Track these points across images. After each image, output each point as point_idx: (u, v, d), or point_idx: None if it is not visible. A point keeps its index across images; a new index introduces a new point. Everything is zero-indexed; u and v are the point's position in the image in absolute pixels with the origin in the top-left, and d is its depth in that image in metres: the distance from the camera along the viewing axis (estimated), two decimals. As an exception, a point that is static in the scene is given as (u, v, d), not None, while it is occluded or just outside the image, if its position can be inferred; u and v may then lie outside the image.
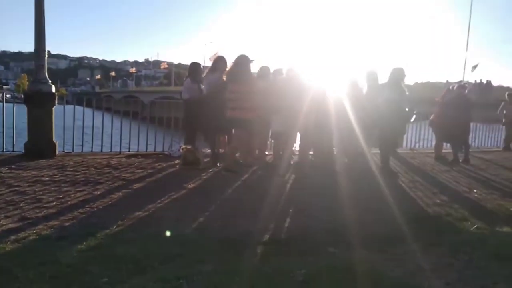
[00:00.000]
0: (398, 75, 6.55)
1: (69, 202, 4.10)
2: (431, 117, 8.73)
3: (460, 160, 8.04)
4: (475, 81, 31.55)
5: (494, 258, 2.87)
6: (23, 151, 6.51)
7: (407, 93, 6.61)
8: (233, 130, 6.15)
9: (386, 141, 6.60)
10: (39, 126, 6.42)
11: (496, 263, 2.81)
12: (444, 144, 8.73)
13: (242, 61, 5.95)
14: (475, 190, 5.57)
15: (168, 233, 3.04)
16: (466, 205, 4.67)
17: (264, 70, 6.91)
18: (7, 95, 9.65)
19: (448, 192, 5.42)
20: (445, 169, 7.33)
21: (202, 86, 6.55)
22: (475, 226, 3.86)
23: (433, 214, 4.31)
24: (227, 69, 6.17)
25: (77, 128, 7.36)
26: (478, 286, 2.48)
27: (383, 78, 6.94)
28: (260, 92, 5.97)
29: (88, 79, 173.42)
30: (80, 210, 3.86)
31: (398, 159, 7.86)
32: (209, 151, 6.70)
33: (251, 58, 6.05)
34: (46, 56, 6.64)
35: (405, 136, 8.95)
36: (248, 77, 5.96)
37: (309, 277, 2.31)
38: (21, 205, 3.93)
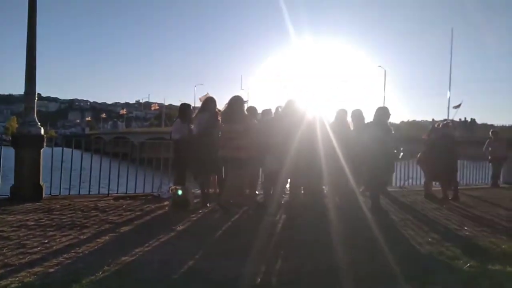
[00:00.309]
0: (382, 114, 6.70)
1: (54, 247, 3.98)
2: (418, 156, 8.84)
3: (450, 198, 8.07)
4: (460, 119, 32.38)
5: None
6: (9, 194, 6.39)
7: (392, 132, 6.73)
8: (224, 169, 6.15)
9: (374, 180, 6.64)
10: (26, 168, 6.35)
11: (491, 302, 2.77)
12: (434, 182, 8.79)
13: (236, 102, 6.08)
14: (466, 228, 5.56)
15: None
16: (457, 243, 4.65)
17: (251, 110, 7.00)
18: (-4, 138, 9.56)
19: (439, 230, 5.40)
20: (435, 207, 7.33)
21: (192, 126, 6.60)
22: (468, 264, 3.82)
23: (425, 252, 4.26)
24: (221, 110, 6.28)
25: (65, 171, 7.28)
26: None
27: (368, 117, 7.10)
28: (254, 132, 6.04)
29: (78, 121, 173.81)
30: (65, 255, 3.75)
31: (388, 197, 7.87)
32: (199, 191, 6.65)
33: (244, 99, 6.19)
34: (36, 98, 6.68)
35: (394, 174, 9.02)
36: (242, 116, 6.05)
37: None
38: (4, 251, 3.81)
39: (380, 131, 6.44)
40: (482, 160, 12.29)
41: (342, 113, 7.34)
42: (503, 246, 4.58)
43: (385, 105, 6.85)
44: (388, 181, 7.14)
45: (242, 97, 6.25)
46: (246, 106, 6.31)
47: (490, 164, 11.67)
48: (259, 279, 3.31)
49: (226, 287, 3.07)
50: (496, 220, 6.27)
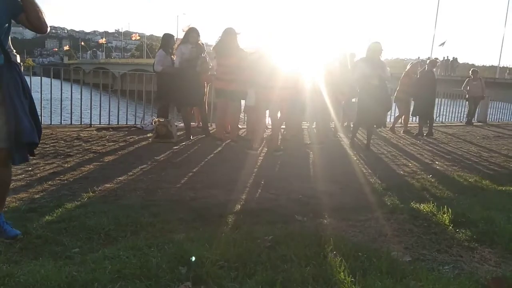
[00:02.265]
0: (373, 50, 6.45)
1: (38, 175, 4.06)
2: (395, 94, 8.87)
3: (424, 134, 8.38)
4: (443, 57, 32.27)
5: (450, 225, 3.07)
6: (-13, 123, 6.30)
7: (387, 68, 6.54)
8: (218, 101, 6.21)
9: (364, 119, 6.54)
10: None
11: (451, 229, 3.01)
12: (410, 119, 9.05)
13: (227, 35, 5.97)
14: (437, 162, 5.84)
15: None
16: (427, 177, 4.92)
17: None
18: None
19: (411, 164, 5.66)
20: (410, 142, 7.61)
21: (174, 58, 6.46)
22: (435, 195, 4.09)
23: (395, 184, 4.51)
24: (215, 43, 6.18)
25: (45, 100, 7.16)
26: (434, 250, 2.66)
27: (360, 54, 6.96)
28: (246, 66, 5.98)
29: (56, 49, 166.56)
30: (50, 182, 3.84)
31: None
32: (182, 124, 6.70)
33: (237, 31, 6.05)
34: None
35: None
36: (234, 50, 5.96)
37: (276, 242, 2.42)
38: (-12, 178, 3.86)
39: (368, 67, 6.28)
40: (460, 98, 12.57)
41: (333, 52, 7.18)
42: (469, 180, 4.87)
43: (377, 41, 6.52)
44: (382, 121, 6.98)
45: (234, 29, 6.06)
46: (239, 37, 6.14)
47: (467, 102, 11.99)
48: (239, 206, 3.49)
49: (209, 213, 3.23)
50: (466, 156, 6.58)
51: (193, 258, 2.15)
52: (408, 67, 9.11)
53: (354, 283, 1.98)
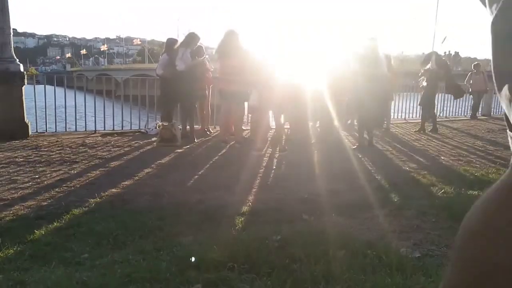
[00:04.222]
0: (367, 47, 6.38)
1: (45, 182, 4.08)
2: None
3: (429, 130, 8.35)
4: (444, 52, 32.16)
5: (458, 219, 3.05)
6: (-6, 133, 6.35)
7: (383, 65, 6.45)
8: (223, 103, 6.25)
9: (363, 118, 6.49)
10: (9, 106, 6.26)
11: (460, 224, 2.99)
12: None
13: (229, 37, 6.00)
14: (442, 157, 5.82)
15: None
16: (434, 172, 4.89)
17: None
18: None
19: (417, 159, 5.64)
20: (415, 138, 7.59)
21: (177, 62, 6.49)
22: (442, 190, 4.06)
23: (403, 180, 4.49)
24: (217, 45, 6.24)
25: (49, 108, 7.21)
26: (443, 245, 2.65)
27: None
28: (248, 67, 6.01)
29: (58, 57, 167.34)
30: (57, 189, 3.86)
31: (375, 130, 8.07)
32: (188, 127, 6.72)
33: (238, 32, 6.11)
34: (12, 33, 6.41)
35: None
36: (236, 51, 5.98)
37: (284, 242, 2.42)
38: (-5, 186, 3.89)
39: (359, 65, 6.13)
40: (464, 92, 12.50)
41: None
42: (476, 174, 4.84)
43: (372, 37, 6.44)
44: (379, 121, 6.91)
45: (236, 30, 6.10)
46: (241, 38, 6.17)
47: (471, 96, 11.94)
48: (245, 207, 3.49)
49: (215, 215, 3.24)
50: (472, 150, 6.54)
51: (193, 259, 2.16)
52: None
53: (364, 281, 1.97)
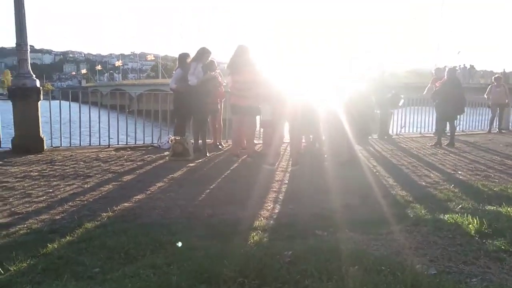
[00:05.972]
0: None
1: (59, 196, 4.11)
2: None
3: (445, 144, 8.22)
4: (458, 66, 31.93)
5: (476, 235, 2.97)
6: (10, 147, 6.47)
7: (371, 81, 6.45)
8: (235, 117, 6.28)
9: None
10: (26, 121, 6.38)
11: (478, 239, 2.91)
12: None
13: (240, 52, 6.05)
14: (459, 172, 5.70)
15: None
16: (450, 187, 4.79)
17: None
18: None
19: (433, 174, 5.54)
20: (431, 152, 7.47)
21: (189, 78, 6.56)
22: (460, 206, 3.97)
23: (419, 196, 4.40)
24: (229, 61, 6.32)
25: (64, 123, 7.32)
26: (461, 262, 2.57)
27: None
28: (260, 81, 6.03)
29: (74, 73, 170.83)
30: (70, 203, 3.88)
31: (389, 144, 7.98)
32: (200, 141, 6.74)
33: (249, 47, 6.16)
34: (29, 50, 6.57)
35: (391, 121, 9.06)
36: (247, 66, 6.02)
37: (296, 257, 2.38)
38: (10, 200, 3.94)
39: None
40: (480, 106, 12.36)
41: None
42: (494, 189, 4.73)
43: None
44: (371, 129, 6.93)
45: (247, 46, 6.16)
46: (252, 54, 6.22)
47: (490, 109, 11.80)
48: (258, 222, 3.45)
49: (227, 230, 3.21)
50: (490, 165, 6.41)
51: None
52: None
53: (379, 298, 1.91)
